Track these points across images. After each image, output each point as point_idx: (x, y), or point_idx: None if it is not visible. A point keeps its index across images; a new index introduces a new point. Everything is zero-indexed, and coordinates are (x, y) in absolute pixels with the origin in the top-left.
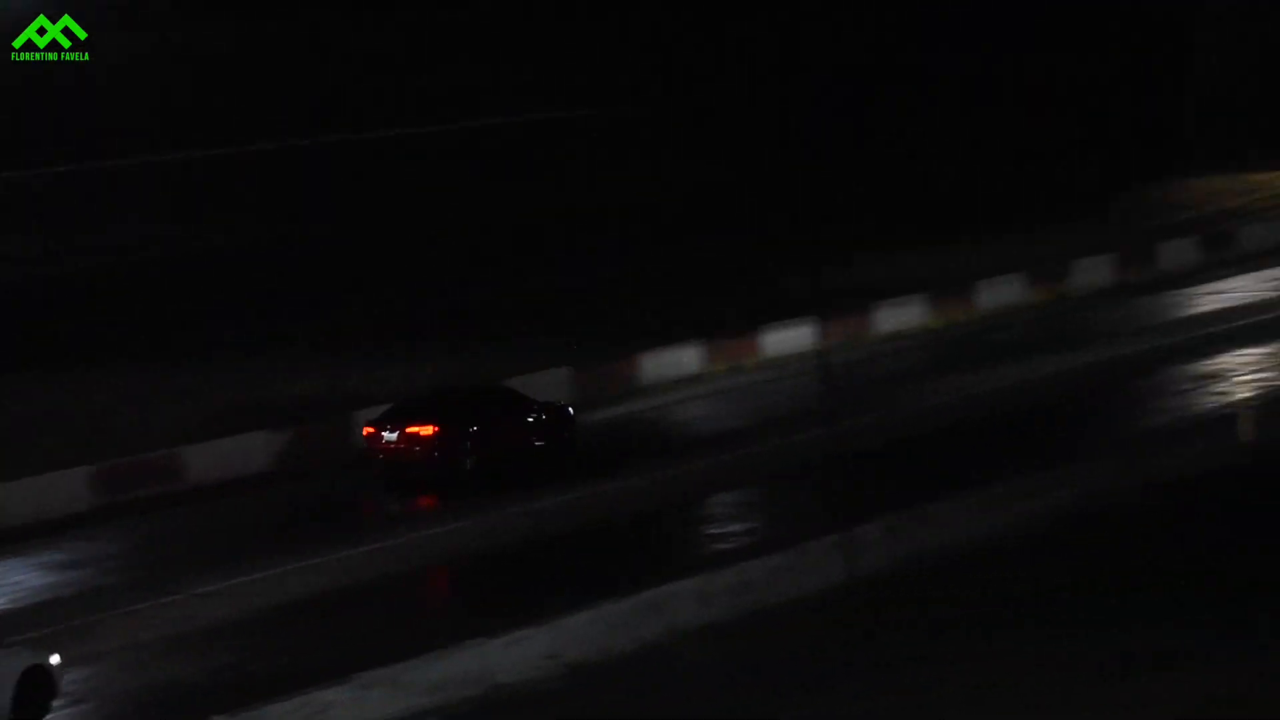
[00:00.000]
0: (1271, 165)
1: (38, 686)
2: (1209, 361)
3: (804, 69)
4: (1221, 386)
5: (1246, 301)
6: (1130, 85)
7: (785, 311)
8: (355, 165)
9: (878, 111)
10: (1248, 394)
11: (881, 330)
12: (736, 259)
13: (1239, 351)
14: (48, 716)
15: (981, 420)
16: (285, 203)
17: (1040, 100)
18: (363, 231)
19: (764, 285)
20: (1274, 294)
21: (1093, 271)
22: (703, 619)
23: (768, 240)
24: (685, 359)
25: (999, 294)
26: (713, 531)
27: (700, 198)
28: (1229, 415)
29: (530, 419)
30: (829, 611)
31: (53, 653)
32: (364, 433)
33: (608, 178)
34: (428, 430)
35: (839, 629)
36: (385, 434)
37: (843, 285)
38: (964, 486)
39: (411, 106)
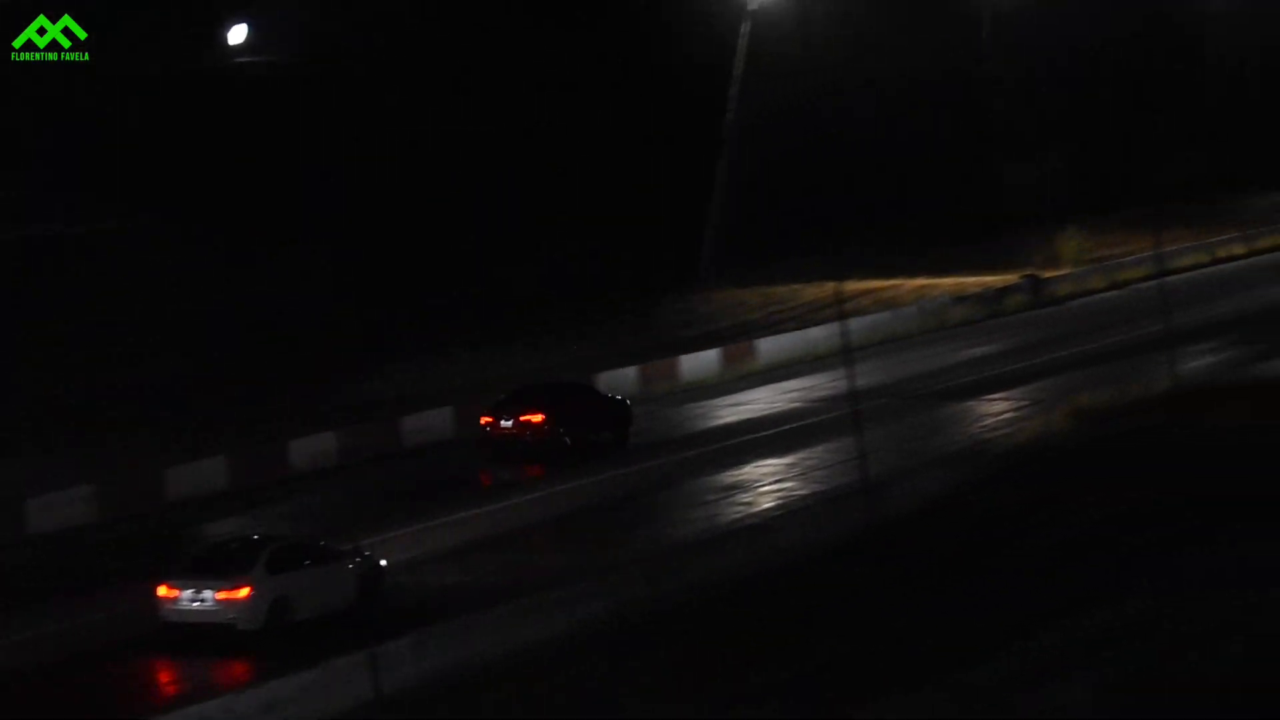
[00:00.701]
0: (790, 278)
1: (374, 581)
2: (732, 472)
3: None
4: (746, 496)
5: (766, 413)
6: (657, 198)
7: (314, 423)
8: None
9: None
10: (771, 504)
11: (408, 442)
12: (277, 369)
13: (761, 462)
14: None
15: (510, 533)
16: None
17: (573, 208)
18: None
19: (296, 395)
20: (792, 405)
21: (619, 382)
22: None
23: (310, 349)
24: (214, 473)
25: None
26: None
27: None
28: (758, 525)
29: (604, 409)
30: None
31: (381, 558)
32: (481, 420)
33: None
34: (538, 418)
35: None
36: (502, 421)
37: (376, 395)
38: (492, 601)
39: None
